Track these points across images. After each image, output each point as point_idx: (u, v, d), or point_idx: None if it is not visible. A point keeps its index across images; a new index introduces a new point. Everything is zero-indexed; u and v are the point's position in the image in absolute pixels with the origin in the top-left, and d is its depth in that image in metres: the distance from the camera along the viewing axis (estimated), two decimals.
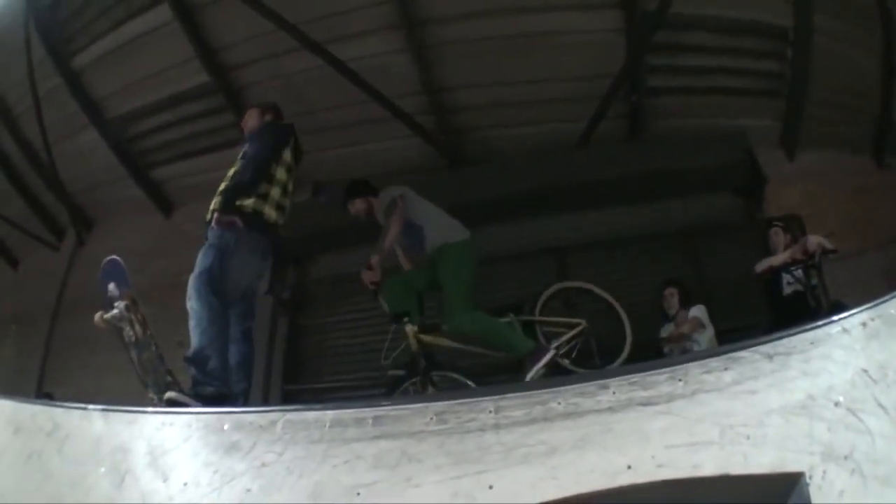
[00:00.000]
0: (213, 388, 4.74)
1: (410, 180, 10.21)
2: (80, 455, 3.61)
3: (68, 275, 12.73)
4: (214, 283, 5.04)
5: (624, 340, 7.01)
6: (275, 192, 5.42)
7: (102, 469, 3.46)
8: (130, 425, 3.58)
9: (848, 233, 7.92)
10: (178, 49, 10.25)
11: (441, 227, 6.28)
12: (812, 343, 2.73)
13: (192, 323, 5.00)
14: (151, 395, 5.64)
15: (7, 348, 13.43)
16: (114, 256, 6.03)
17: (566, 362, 6.43)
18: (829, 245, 7.22)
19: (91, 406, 3.79)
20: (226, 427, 3.23)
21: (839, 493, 2.41)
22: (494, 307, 6.51)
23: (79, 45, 10.79)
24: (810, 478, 2.41)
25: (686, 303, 7.79)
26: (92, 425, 3.70)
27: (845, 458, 2.51)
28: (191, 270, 5.04)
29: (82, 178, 12.36)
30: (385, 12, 9.49)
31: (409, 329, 6.08)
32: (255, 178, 5.30)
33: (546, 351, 5.67)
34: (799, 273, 7.26)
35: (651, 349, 7.56)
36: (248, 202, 5.27)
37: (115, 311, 5.66)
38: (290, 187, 5.63)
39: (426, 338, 6.09)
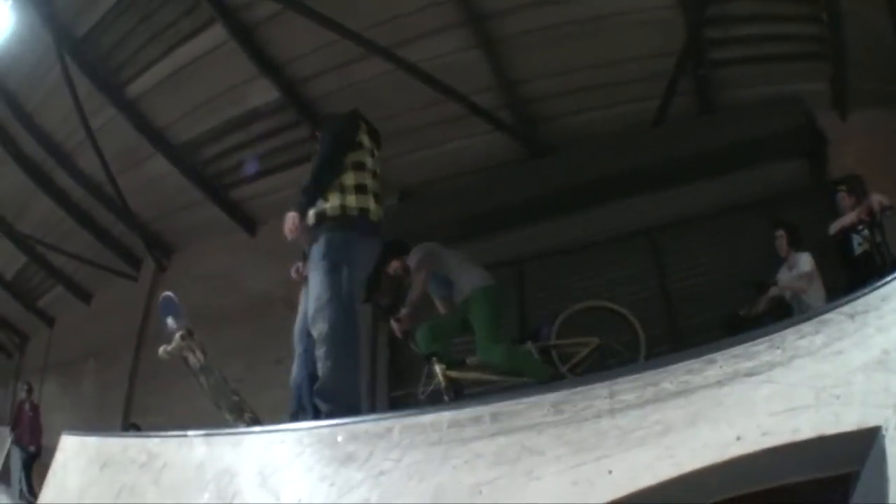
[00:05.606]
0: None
1: (493, 175, 10.42)
2: (181, 483, 3.44)
3: (150, 303, 12.77)
4: (345, 307, 4.32)
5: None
6: (369, 182, 4.69)
7: (206, 495, 3.27)
8: (236, 447, 3.42)
9: None
10: (239, 68, 10.21)
11: (468, 277, 6.69)
12: (884, 299, 2.67)
13: (320, 351, 4.32)
14: (227, 416, 5.55)
15: (85, 384, 13.63)
16: (167, 293, 6.09)
17: None
18: (886, 201, 7.41)
19: (191, 432, 3.60)
20: (340, 439, 3.08)
21: None
22: (514, 336, 7.37)
23: (129, 74, 10.84)
24: (886, 430, 2.38)
25: (795, 244, 7.70)
26: (193, 452, 3.53)
27: None
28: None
29: (155, 205, 12.46)
30: (446, 11, 9.33)
31: (438, 367, 6.65)
32: (319, 181, 4.54)
33: (559, 378, 6.19)
34: (866, 232, 7.46)
35: (742, 323, 7.35)
36: (351, 200, 4.51)
37: (174, 342, 5.68)
38: (379, 172, 4.90)
39: (453, 373, 6.70)
